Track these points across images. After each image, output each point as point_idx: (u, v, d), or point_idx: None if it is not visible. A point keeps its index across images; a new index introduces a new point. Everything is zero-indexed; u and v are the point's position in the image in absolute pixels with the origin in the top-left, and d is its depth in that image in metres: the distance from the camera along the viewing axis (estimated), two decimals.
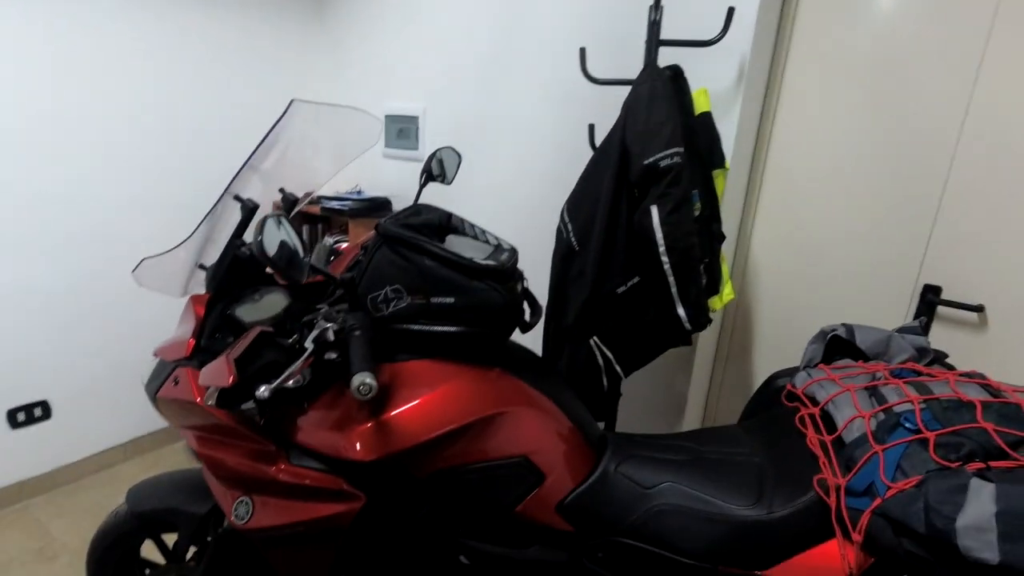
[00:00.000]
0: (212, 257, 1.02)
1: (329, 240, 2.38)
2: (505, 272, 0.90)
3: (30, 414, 1.97)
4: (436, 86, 2.19)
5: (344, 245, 2.27)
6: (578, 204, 1.42)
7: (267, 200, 1.06)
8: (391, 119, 2.36)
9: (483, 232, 1.03)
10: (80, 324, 2.03)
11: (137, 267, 0.91)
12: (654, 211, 1.23)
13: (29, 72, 1.80)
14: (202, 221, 0.92)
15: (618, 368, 1.43)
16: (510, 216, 2.05)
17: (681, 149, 1.24)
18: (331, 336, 0.83)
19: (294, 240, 0.83)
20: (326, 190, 2.67)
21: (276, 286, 1.17)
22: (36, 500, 2.00)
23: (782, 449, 0.96)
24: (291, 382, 0.79)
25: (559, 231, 1.46)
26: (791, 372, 1.14)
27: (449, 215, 0.98)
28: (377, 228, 0.90)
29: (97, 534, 1.21)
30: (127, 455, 2.26)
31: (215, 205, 0.90)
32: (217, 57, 2.22)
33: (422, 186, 1.26)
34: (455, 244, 0.96)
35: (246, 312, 1.04)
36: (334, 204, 2.19)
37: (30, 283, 1.89)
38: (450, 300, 0.88)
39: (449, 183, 1.34)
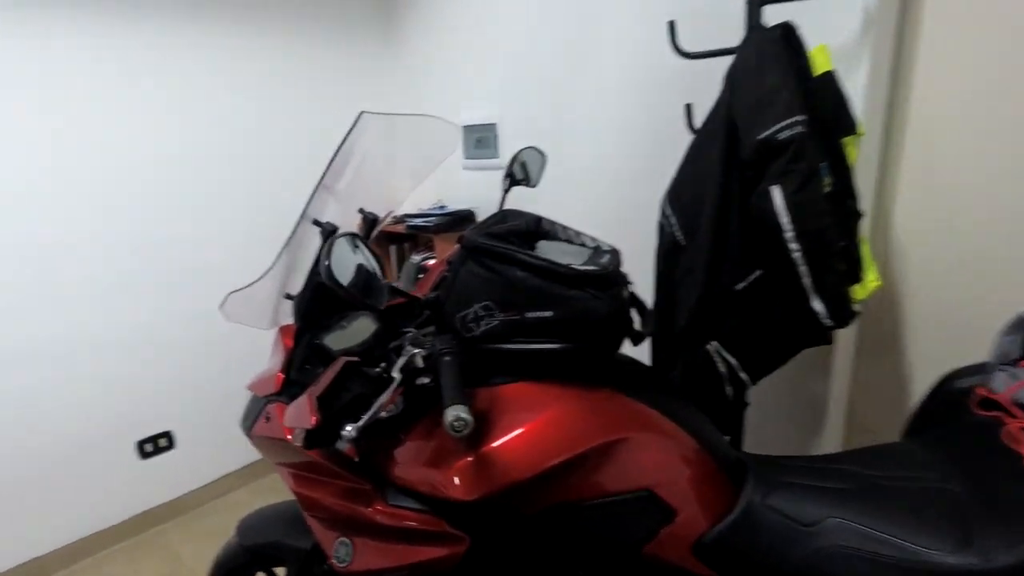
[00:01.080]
0: (298, 286, 0.98)
1: (416, 258, 2.37)
2: (607, 277, 0.78)
3: (156, 444, 2.10)
4: (511, 89, 2.11)
5: (431, 262, 2.24)
6: (681, 193, 1.27)
7: (347, 222, 1.00)
8: (468, 129, 2.31)
9: (578, 234, 0.91)
10: (197, 358, 2.14)
11: (223, 303, 0.89)
12: (776, 192, 1.05)
13: (140, 120, 1.93)
14: (282, 250, 0.88)
15: (743, 375, 1.25)
16: (604, 215, 1.91)
17: (803, 117, 1.05)
18: (419, 363, 0.74)
19: (371, 262, 0.75)
20: (408, 207, 2.67)
21: (364, 311, 1.12)
22: (166, 526, 2.12)
23: (986, 473, 0.75)
24: (382, 414, 0.71)
25: (661, 226, 1.31)
26: (976, 371, 0.92)
27: (538, 219, 0.87)
28: (460, 241, 0.81)
29: (212, 567, 1.22)
30: (245, 480, 2.36)
31: (293, 232, 0.85)
32: (289, 86, 2.28)
33: (505, 191, 1.16)
34: (548, 250, 0.85)
35: (334, 340, 0.99)
36: (417, 221, 2.16)
37: (151, 323, 2.02)
38: (547, 314, 0.77)
39: (534, 185, 1.24)
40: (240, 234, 2.19)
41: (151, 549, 1.99)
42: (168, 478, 2.13)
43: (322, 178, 0.77)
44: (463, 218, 2.24)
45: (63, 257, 1.81)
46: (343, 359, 0.76)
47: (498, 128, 2.19)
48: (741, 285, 1.18)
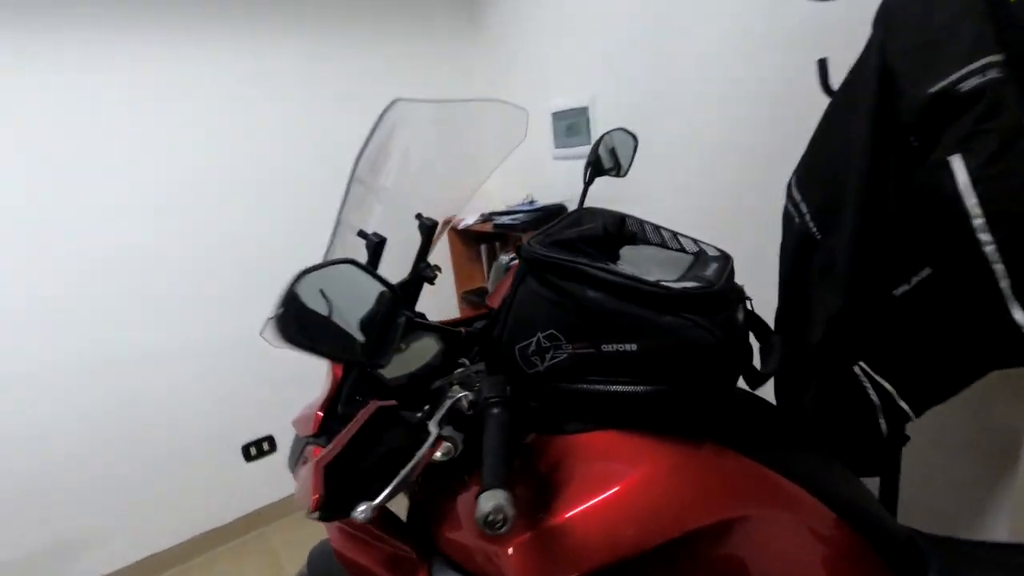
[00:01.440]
0: None
1: (504, 259, 2.23)
2: (713, 296, 0.57)
3: (260, 448, 2.16)
4: (603, 70, 1.89)
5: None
6: (813, 173, 1.00)
7: (401, 231, 0.87)
8: (557, 116, 2.13)
9: (675, 236, 0.71)
10: (297, 363, 2.17)
11: (264, 328, 0.79)
12: (958, 164, 0.77)
13: (245, 131, 1.97)
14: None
15: (903, 404, 0.96)
16: (712, 207, 1.64)
17: (998, 57, 0.76)
18: (465, 407, 0.59)
19: (383, 298, 0.60)
20: (496, 204, 2.55)
21: (429, 329, 0.99)
22: (268, 528, 2.19)
23: None
24: (413, 476, 0.57)
25: (787, 215, 1.05)
26: None
27: (622, 218, 0.68)
28: (519, 251, 0.64)
29: None
30: None
31: (331, 241, 0.73)
32: (373, 89, 2.22)
33: (587, 184, 0.97)
34: (633, 259, 0.65)
35: (389, 367, 0.87)
36: (504, 219, 2.02)
37: (253, 330, 2.07)
38: (630, 347, 0.58)
39: (624, 174, 1.04)
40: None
41: (254, 550, 2.05)
42: (271, 480, 2.19)
43: (352, 175, 0.63)
44: (554, 214, 2.06)
45: (166, 267, 1.90)
46: (375, 404, 0.62)
47: (590, 112, 1.98)
48: (902, 289, 0.89)
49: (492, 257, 2.44)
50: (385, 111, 0.64)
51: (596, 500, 0.58)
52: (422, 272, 0.91)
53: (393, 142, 0.72)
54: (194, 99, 1.88)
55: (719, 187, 1.60)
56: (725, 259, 0.66)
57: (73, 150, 1.71)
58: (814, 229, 0.97)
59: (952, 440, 1.23)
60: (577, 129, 2.05)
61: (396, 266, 0.91)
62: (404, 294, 0.91)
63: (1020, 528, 1.25)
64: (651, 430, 0.61)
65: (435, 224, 0.90)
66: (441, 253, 2.51)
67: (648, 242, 0.71)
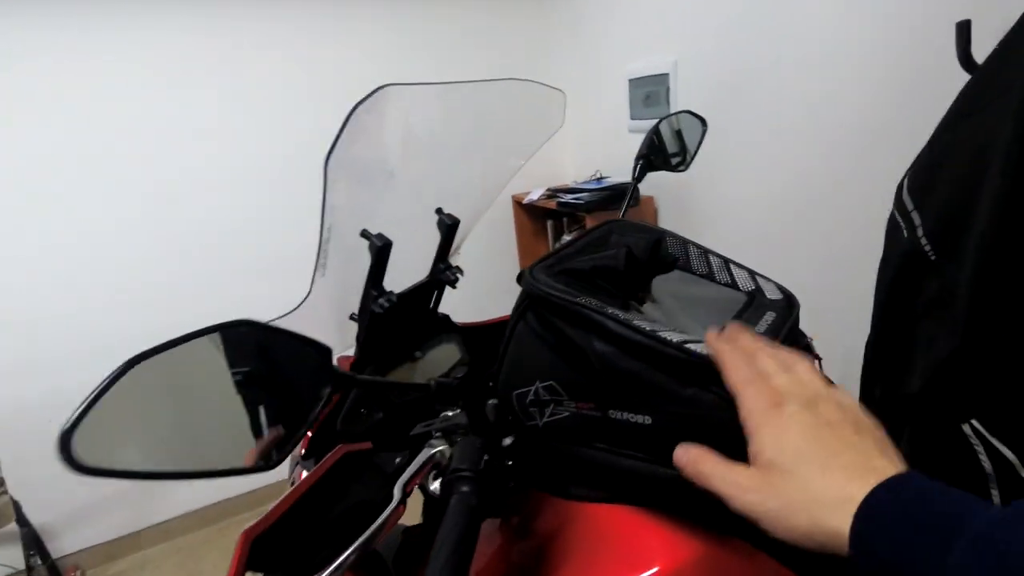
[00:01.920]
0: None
1: (567, 239, 2.10)
2: None
3: None
4: (690, 30, 1.66)
5: None
6: (936, 175, 0.79)
7: (416, 233, 0.78)
8: (635, 83, 1.92)
9: (726, 265, 0.56)
10: None
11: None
12: None
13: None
14: (314, 273, 0.69)
15: None
16: (798, 206, 1.41)
17: None
18: (434, 487, 0.50)
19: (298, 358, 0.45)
20: (567, 177, 2.39)
21: (451, 332, 0.90)
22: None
23: None
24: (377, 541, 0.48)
25: (892, 224, 0.84)
26: None
27: (658, 240, 0.54)
28: (520, 280, 0.53)
29: None
30: None
31: (320, 246, 0.65)
32: (432, 52, 2.12)
33: (636, 180, 0.83)
34: (665, 298, 0.52)
35: (403, 375, 0.80)
36: (568, 197, 1.88)
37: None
38: (644, 419, 0.45)
39: (684, 168, 0.87)
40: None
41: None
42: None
43: (326, 164, 0.53)
44: (622, 194, 1.88)
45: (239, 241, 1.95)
46: (342, 448, 0.54)
47: (671, 80, 1.76)
48: None
49: (559, 233, 2.31)
50: (365, 100, 0.54)
51: None
52: (441, 275, 0.82)
53: (392, 130, 0.62)
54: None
55: (812, 180, 1.37)
56: (787, 306, 0.51)
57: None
58: (928, 248, 0.77)
59: None
60: (656, 99, 1.84)
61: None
62: (418, 298, 0.82)
63: None
64: (669, 512, 0.49)
65: (456, 222, 0.79)
66: (505, 227, 2.42)
67: (691, 271, 0.56)
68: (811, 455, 0.29)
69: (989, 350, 0.72)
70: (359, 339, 0.77)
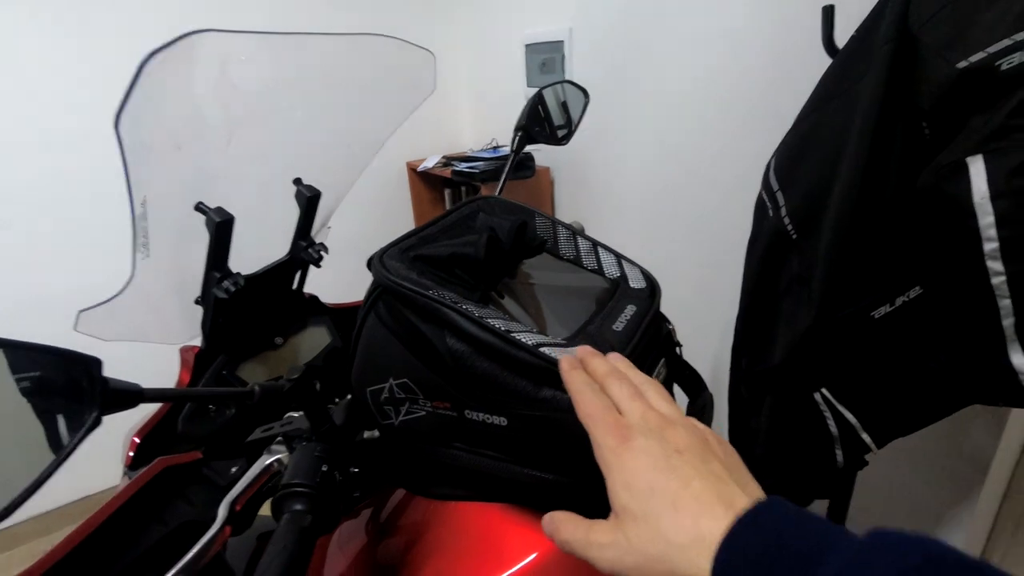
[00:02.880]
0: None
1: None
2: None
3: None
4: None
5: None
6: (797, 158, 0.82)
7: (275, 207, 0.69)
8: (531, 49, 1.87)
9: (594, 249, 0.53)
10: None
11: (77, 322, 0.62)
12: (976, 168, 0.60)
13: None
14: (135, 252, 0.58)
15: (866, 437, 0.83)
16: (682, 189, 1.44)
17: None
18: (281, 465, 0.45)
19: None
20: (459, 147, 2.32)
21: (320, 314, 0.83)
22: None
23: None
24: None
25: (759, 206, 0.87)
26: None
27: (524, 224, 0.50)
28: (370, 265, 0.47)
29: None
30: None
31: (135, 222, 0.54)
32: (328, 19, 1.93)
33: (515, 153, 0.79)
34: (529, 290, 0.49)
35: (254, 369, 0.72)
36: (463, 166, 1.81)
37: None
38: (497, 420, 0.42)
39: (564, 142, 0.84)
40: None
41: None
42: None
43: (117, 124, 0.43)
44: (520, 164, 1.85)
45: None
46: (161, 462, 0.46)
47: (566, 47, 1.73)
48: (884, 310, 0.74)
49: (457, 203, 2.24)
50: (165, 47, 0.44)
51: None
52: (301, 253, 0.74)
53: (214, 86, 0.52)
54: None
55: (692, 166, 1.40)
56: (649, 296, 0.49)
57: None
58: (790, 227, 0.80)
59: (915, 459, 1.12)
60: (552, 66, 1.80)
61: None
62: (276, 279, 0.74)
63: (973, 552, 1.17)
64: (534, 507, 0.47)
65: (316, 194, 0.71)
66: (401, 196, 2.31)
67: (559, 255, 0.54)
68: (661, 490, 0.27)
69: (838, 324, 0.77)
70: (204, 327, 0.68)
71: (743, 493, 0.26)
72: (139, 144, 0.44)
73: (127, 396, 0.32)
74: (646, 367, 0.44)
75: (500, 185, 0.76)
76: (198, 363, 0.68)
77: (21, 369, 0.36)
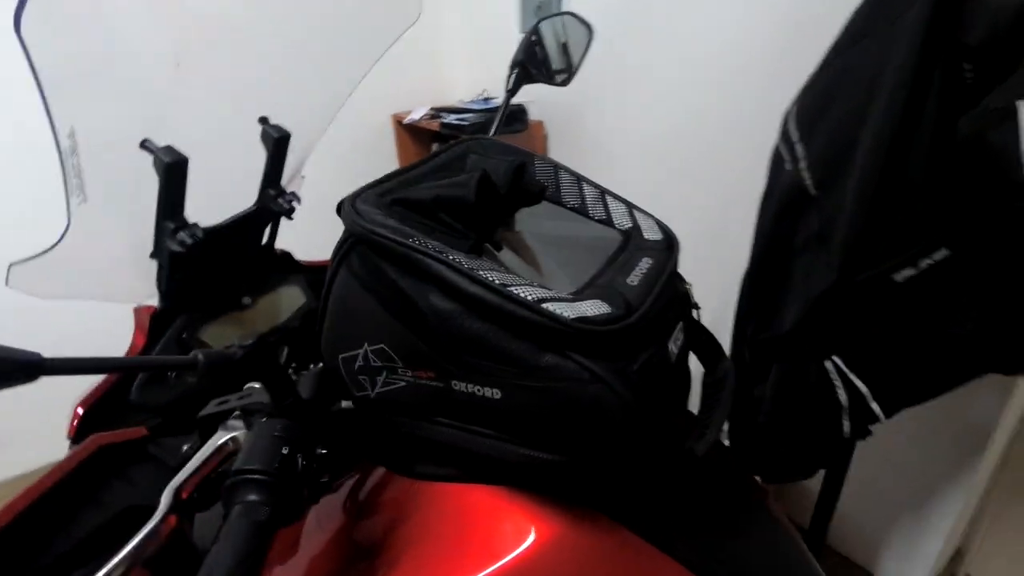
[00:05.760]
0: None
1: None
2: (628, 332, 0.35)
3: None
4: None
5: None
6: (822, 106, 0.75)
7: (243, 151, 0.62)
8: None
9: (602, 197, 0.47)
10: None
11: (8, 276, 0.55)
12: None
13: None
14: (68, 198, 0.50)
15: (875, 406, 0.79)
16: (692, 148, 1.36)
17: None
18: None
19: None
20: (448, 98, 2.20)
21: (294, 272, 0.76)
22: None
23: None
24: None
25: (776, 158, 0.80)
26: None
27: (522, 165, 0.43)
28: (340, 211, 0.40)
29: None
30: None
31: (62, 160, 0.46)
32: None
33: (511, 92, 0.71)
34: (525, 236, 0.42)
35: (218, 332, 0.65)
36: (451, 119, 1.71)
37: None
38: (492, 393, 0.36)
39: (566, 82, 0.76)
40: None
41: None
42: None
43: (18, 24, 0.35)
44: (512, 116, 1.74)
45: None
46: (96, 439, 0.40)
47: None
48: (906, 273, 0.69)
49: None
50: None
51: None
52: (270, 203, 0.66)
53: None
54: None
55: (706, 124, 1.31)
56: (667, 248, 0.43)
57: None
58: (809, 181, 0.74)
59: (914, 427, 1.09)
60: (548, 9, 1.68)
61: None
62: (243, 232, 0.66)
63: (961, 524, 1.16)
64: (527, 489, 0.42)
65: (285, 135, 0.63)
66: (386, 150, 2.20)
67: (561, 203, 0.47)
68: None
69: (857, 288, 0.71)
70: (160, 285, 0.61)
71: None
72: (53, 55, 0.36)
73: (20, 368, 0.25)
74: (664, 329, 0.38)
75: (493, 128, 0.69)
76: (155, 325, 0.61)
77: None
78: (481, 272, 0.34)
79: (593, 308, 0.34)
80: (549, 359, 0.34)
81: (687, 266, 0.49)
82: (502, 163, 0.43)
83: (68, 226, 0.52)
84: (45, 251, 0.54)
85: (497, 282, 0.34)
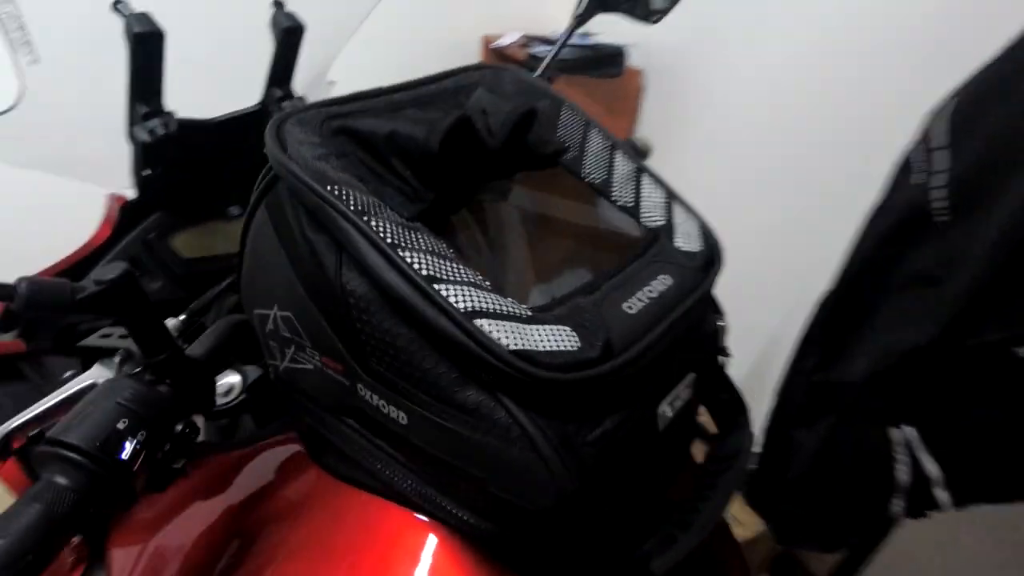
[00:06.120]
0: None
1: None
2: (592, 383, 0.24)
3: None
4: None
5: None
6: (987, 106, 0.56)
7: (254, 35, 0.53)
8: None
9: (637, 178, 0.34)
10: None
11: None
12: None
13: None
14: (13, 53, 0.43)
15: (943, 495, 0.64)
16: (803, 133, 1.15)
17: None
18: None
19: None
20: (546, 27, 2.00)
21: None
22: None
23: None
24: None
25: (903, 167, 0.63)
26: None
27: (531, 111, 0.31)
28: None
29: None
30: None
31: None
32: None
33: (579, 19, 0.57)
34: (514, 219, 0.31)
35: (193, 241, 0.58)
36: (540, 49, 1.55)
37: None
38: (399, 417, 0.26)
39: (657, 19, 0.61)
40: None
41: None
42: None
43: None
44: (607, 59, 1.55)
45: None
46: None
47: None
48: None
49: None
50: None
51: None
52: (272, 105, 0.57)
53: None
54: None
55: (844, 97, 1.09)
56: (702, 268, 0.30)
57: None
58: (939, 204, 0.56)
59: (970, 520, 0.91)
60: None
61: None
62: (242, 133, 0.58)
63: None
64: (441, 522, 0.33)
65: (298, 25, 0.54)
66: None
67: (580, 174, 0.34)
68: None
69: (965, 352, 0.56)
70: (134, 173, 0.54)
71: None
72: None
73: None
74: (660, 384, 0.26)
75: (543, 65, 0.56)
76: (126, 217, 0.55)
77: None
78: (405, 253, 0.24)
79: (551, 338, 0.23)
80: (472, 396, 0.24)
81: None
82: (508, 106, 0.32)
83: (21, 87, 0.46)
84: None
85: (423, 272, 0.24)
